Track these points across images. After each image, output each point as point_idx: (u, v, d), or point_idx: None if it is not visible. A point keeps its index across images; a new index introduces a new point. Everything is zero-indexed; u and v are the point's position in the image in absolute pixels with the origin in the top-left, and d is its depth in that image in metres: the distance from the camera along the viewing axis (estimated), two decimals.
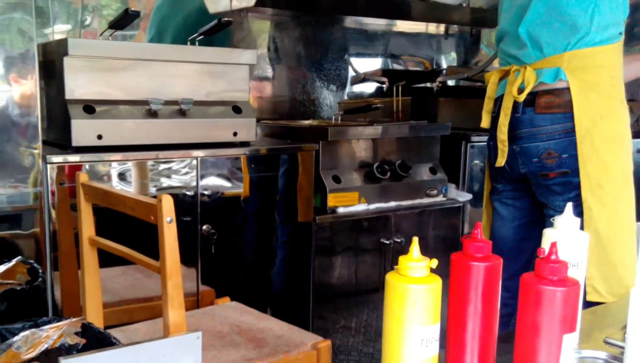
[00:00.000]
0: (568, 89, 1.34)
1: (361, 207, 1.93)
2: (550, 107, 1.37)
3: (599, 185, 1.35)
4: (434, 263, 0.75)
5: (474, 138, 2.17)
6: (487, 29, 2.85)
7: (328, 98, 2.50)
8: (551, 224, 0.93)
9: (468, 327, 0.81)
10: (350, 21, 2.50)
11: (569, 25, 1.33)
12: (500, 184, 1.56)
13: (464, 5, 2.59)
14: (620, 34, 1.37)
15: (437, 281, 0.75)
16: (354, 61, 2.57)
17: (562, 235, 0.89)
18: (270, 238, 1.83)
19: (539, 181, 1.43)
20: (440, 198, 2.11)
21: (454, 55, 2.91)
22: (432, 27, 2.75)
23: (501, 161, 1.45)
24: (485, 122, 1.51)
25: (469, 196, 2.15)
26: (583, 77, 1.33)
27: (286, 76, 2.41)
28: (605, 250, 1.35)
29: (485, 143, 1.60)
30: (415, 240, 0.76)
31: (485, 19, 2.61)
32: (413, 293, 0.73)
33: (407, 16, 2.45)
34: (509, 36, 1.47)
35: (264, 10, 2.19)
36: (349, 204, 1.90)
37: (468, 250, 0.82)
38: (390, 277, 0.76)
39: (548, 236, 0.90)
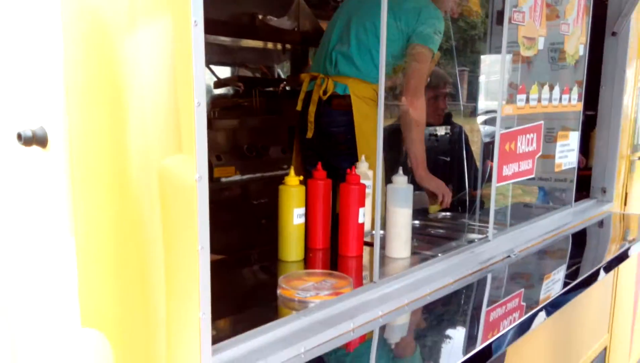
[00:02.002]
0: (350, 96, 2.10)
1: (237, 177, 2.68)
2: (340, 106, 2.06)
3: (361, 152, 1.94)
4: (301, 178, 1.59)
5: None
6: (312, 48, 3.79)
7: None
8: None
9: (317, 211, 1.66)
10: (211, 38, 3.19)
11: (357, 66, 2.12)
12: (309, 151, 2.21)
13: (296, 30, 3.48)
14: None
15: (303, 186, 1.58)
16: (215, 68, 3.28)
17: (359, 170, 1.80)
18: None
19: (334, 151, 2.10)
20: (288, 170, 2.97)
21: (288, 66, 3.80)
22: (271, 45, 3.60)
23: (310, 134, 2.10)
24: (299, 107, 2.14)
25: None
26: (358, 93, 2.11)
27: None
28: None
29: None
30: (292, 168, 1.59)
31: (311, 40, 3.49)
32: (293, 191, 1.56)
33: (254, 36, 3.25)
34: (324, 54, 2.21)
35: None
36: (228, 176, 2.64)
37: (314, 176, 1.67)
38: (282, 187, 1.57)
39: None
